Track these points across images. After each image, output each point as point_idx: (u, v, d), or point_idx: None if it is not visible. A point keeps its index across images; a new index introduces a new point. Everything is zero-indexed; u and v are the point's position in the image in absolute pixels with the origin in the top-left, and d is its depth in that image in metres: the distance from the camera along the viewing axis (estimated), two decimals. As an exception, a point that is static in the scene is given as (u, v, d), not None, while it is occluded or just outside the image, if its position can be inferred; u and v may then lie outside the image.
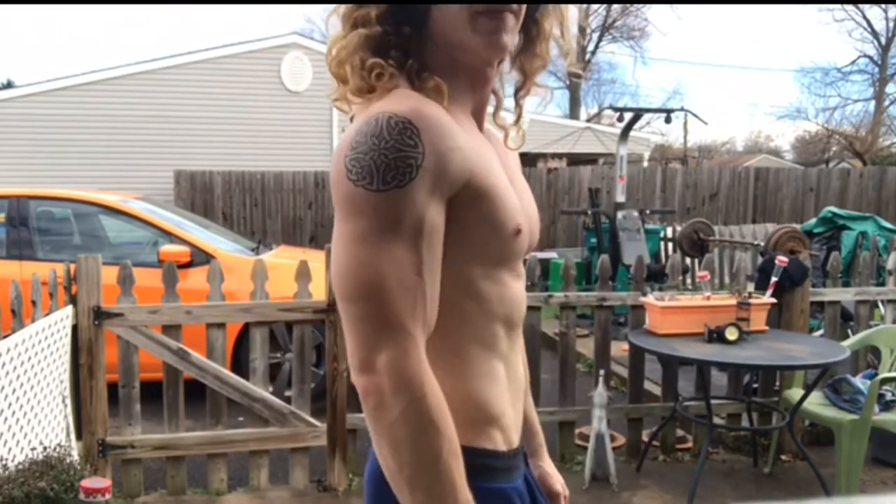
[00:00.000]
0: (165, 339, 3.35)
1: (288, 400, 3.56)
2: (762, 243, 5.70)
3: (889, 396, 3.48)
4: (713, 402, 3.58)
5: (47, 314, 3.10)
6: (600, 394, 3.53)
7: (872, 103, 26.17)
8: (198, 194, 10.53)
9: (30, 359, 2.79)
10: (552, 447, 3.62)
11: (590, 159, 15.34)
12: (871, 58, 26.25)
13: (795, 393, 3.58)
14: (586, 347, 5.03)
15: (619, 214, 6.99)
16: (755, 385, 4.04)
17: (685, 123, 19.95)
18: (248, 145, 11.69)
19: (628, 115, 7.49)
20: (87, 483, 2.09)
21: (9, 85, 19.53)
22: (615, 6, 26.74)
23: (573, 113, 25.22)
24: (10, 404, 2.61)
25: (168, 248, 4.60)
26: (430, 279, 0.90)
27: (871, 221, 6.42)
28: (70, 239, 5.22)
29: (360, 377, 0.88)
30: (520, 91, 1.12)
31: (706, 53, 62.91)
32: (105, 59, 53.49)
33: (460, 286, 0.95)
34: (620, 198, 7.30)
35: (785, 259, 3.81)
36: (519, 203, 1.00)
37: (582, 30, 24.46)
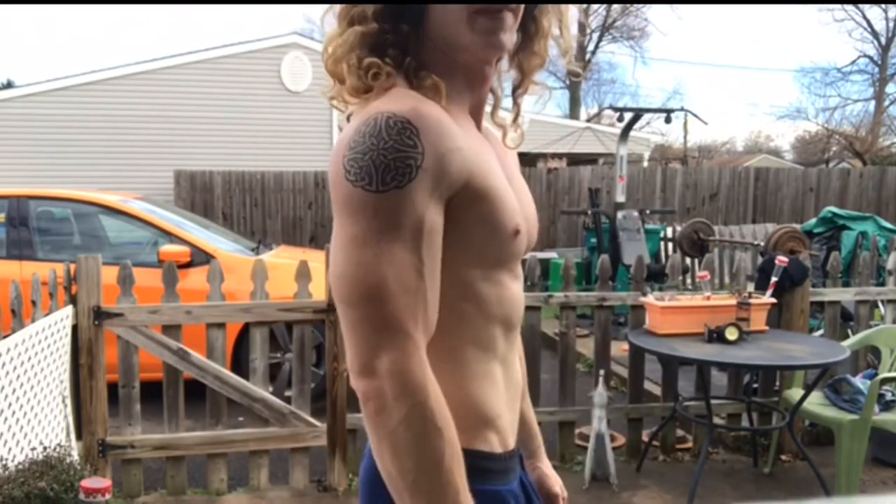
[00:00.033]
0: (165, 339, 3.35)
1: (288, 400, 3.56)
2: (762, 243, 5.71)
3: (889, 396, 3.48)
4: (713, 402, 3.58)
5: (47, 314, 3.10)
6: (600, 394, 3.53)
7: (872, 103, 26.19)
8: (198, 194, 10.53)
9: (30, 359, 2.79)
10: (552, 447, 3.63)
11: (590, 159, 15.34)
12: (871, 58, 26.27)
13: (795, 393, 3.58)
14: (586, 347, 5.03)
15: (619, 214, 6.99)
16: (755, 385, 4.04)
17: (685, 123, 19.96)
18: (248, 145, 11.68)
19: (628, 115, 7.49)
20: (87, 483, 2.09)
21: (9, 85, 19.54)
22: (615, 6, 26.75)
23: (573, 113, 25.23)
24: (10, 404, 2.61)
25: (168, 248, 4.60)
26: (431, 281, 0.89)
27: (871, 221, 6.42)
28: (70, 239, 5.22)
29: (360, 381, 0.86)
30: (518, 89, 1.11)
31: (706, 53, 62.96)
32: (105, 59, 53.53)
33: (458, 288, 0.94)
34: (620, 198, 7.29)
35: (785, 259, 3.81)
36: (517, 203, 1.00)
37: (582, 27, 24.45)
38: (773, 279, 3.75)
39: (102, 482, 2.11)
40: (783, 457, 3.83)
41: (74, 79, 11.52)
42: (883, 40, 25.68)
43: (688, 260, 7.65)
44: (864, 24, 25.81)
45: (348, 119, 0.96)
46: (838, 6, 25.28)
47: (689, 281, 7.71)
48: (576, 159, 15.49)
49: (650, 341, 3.44)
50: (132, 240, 5.19)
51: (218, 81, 11.74)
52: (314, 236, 10.70)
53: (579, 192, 11.36)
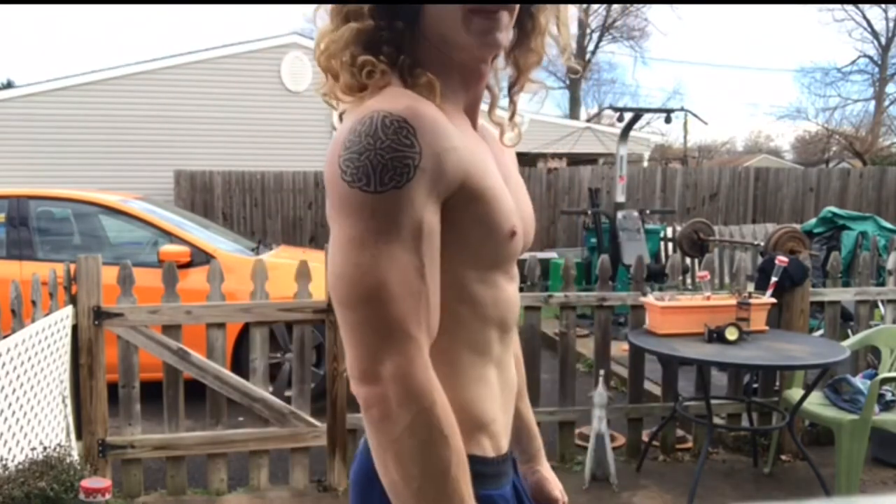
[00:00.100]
0: (165, 339, 3.35)
1: (288, 400, 3.56)
2: (762, 243, 5.70)
3: (889, 396, 3.48)
4: (713, 402, 3.58)
5: (47, 314, 3.10)
6: (600, 394, 3.53)
7: (872, 103, 26.19)
8: (198, 194, 10.53)
9: (30, 359, 2.79)
10: (552, 447, 3.63)
11: (590, 159, 15.33)
12: (871, 58, 26.27)
13: (795, 393, 3.58)
14: (586, 347, 5.03)
15: (619, 214, 6.99)
16: (755, 385, 4.04)
17: (685, 123, 19.97)
18: (248, 145, 11.68)
19: (628, 115, 7.48)
20: (87, 483, 2.09)
21: (9, 85, 19.53)
22: (615, 6, 26.75)
23: (573, 113, 25.23)
24: (10, 404, 2.61)
25: (168, 248, 4.60)
26: (432, 283, 0.87)
27: (871, 221, 6.41)
28: (70, 239, 5.22)
29: (361, 387, 0.84)
30: (514, 86, 1.09)
31: (706, 53, 62.97)
32: (105, 59, 53.53)
33: (453, 290, 0.92)
34: (620, 198, 7.29)
35: (785, 259, 3.81)
36: (514, 204, 0.98)
37: (581, 25, 24.44)
38: (773, 279, 3.75)
39: (102, 482, 2.11)
40: (783, 457, 3.83)
41: (74, 79, 11.52)
42: (883, 40, 25.69)
43: (688, 260, 7.65)
44: (864, 24, 25.84)
45: (341, 117, 0.95)
46: (838, 6, 25.30)
47: (689, 281, 7.71)
48: (576, 159, 15.48)
49: (650, 341, 3.44)
50: (132, 240, 5.19)
51: (218, 81, 11.74)
52: (314, 236, 10.70)
53: (579, 192, 11.36)
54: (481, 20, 0.91)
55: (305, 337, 3.50)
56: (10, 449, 2.58)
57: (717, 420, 3.78)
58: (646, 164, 15.40)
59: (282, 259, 5.15)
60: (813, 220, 6.78)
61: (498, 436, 1.00)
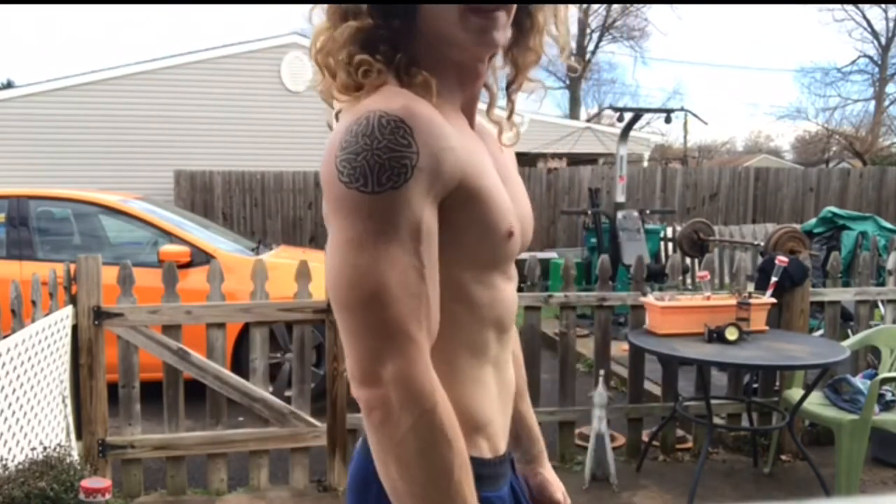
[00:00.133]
0: (165, 339, 3.35)
1: (288, 400, 3.56)
2: (762, 243, 5.71)
3: (889, 396, 3.48)
4: (713, 402, 3.58)
5: (47, 314, 3.10)
6: (600, 394, 3.53)
7: (872, 103, 26.19)
8: (198, 194, 10.53)
9: (30, 359, 2.79)
10: (552, 447, 3.63)
11: (590, 159, 15.33)
12: (871, 58, 26.27)
13: (795, 393, 3.58)
14: (586, 347, 5.03)
15: (619, 214, 6.99)
16: (755, 385, 4.04)
17: (685, 123, 19.98)
18: (248, 145, 11.68)
19: (628, 115, 7.48)
20: (87, 483, 2.09)
21: (9, 85, 19.54)
22: (615, 6, 26.75)
23: (573, 113, 25.24)
24: (10, 404, 2.61)
25: (168, 248, 4.60)
26: (432, 283, 0.86)
27: (871, 221, 6.41)
28: (70, 239, 5.22)
29: (362, 390, 0.82)
30: (511, 85, 1.08)
31: (706, 53, 62.99)
32: (105, 59, 53.54)
33: (451, 291, 0.91)
34: (620, 198, 7.29)
35: (785, 259, 3.81)
36: (511, 204, 0.97)
37: (581, 25, 24.43)
38: (773, 279, 3.75)
39: (102, 482, 2.11)
40: (783, 457, 3.83)
41: (74, 79, 11.52)
42: (883, 40, 25.69)
43: (688, 260, 7.65)
44: (864, 24, 25.84)
45: (336, 117, 0.94)
46: (838, 6, 25.31)
47: (689, 281, 7.71)
48: (576, 159, 15.48)
49: (650, 341, 3.44)
50: (132, 240, 5.19)
51: (218, 81, 11.74)
52: (314, 236, 10.70)
53: (579, 192, 11.36)
54: (478, 19, 0.91)
55: (305, 337, 3.50)
56: (10, 449, 2.58)
57: (717, 420, 3.78)
58: (646, 164, 15.39)
59: (282, 259, 5.15)
60: (813, 220, 6.78)
61: (495, 437, 0.99)
